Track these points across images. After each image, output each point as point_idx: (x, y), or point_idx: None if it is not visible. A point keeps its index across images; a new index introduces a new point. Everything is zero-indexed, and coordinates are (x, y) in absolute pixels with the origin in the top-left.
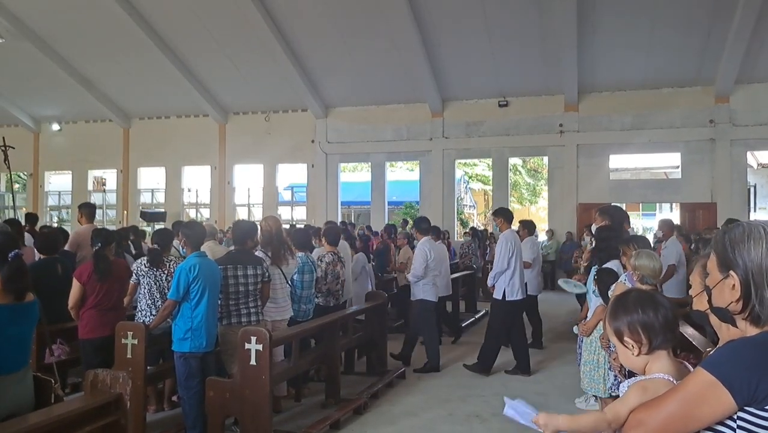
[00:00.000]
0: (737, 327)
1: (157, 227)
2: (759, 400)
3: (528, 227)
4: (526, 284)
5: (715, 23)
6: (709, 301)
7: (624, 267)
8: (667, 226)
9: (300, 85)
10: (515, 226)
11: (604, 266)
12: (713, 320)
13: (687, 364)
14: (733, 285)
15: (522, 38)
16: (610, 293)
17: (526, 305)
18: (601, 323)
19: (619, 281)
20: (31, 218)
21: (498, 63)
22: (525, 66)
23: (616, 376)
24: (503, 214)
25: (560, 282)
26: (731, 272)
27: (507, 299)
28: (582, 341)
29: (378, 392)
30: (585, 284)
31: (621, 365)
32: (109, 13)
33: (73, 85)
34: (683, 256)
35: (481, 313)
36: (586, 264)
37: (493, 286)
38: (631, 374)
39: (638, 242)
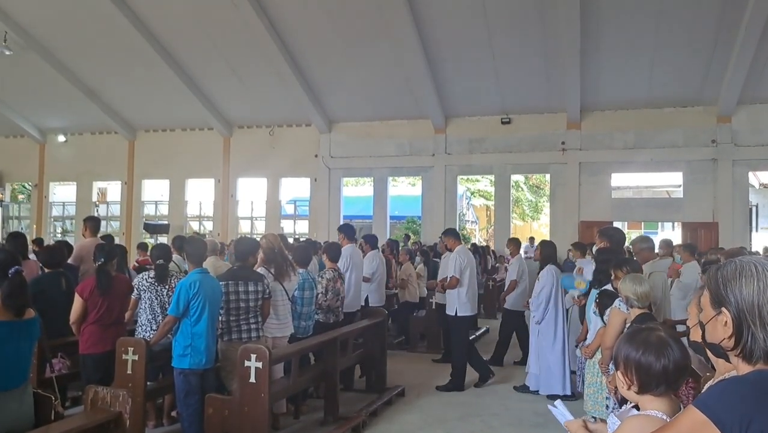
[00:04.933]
0: (730, 363)
1: (160, 239)
2: None
3: (370, 241)
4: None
5: (718, 43)
6: (703, 337)
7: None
8: (667, 245)
9: (304, 100)
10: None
11: (605, 287)
12: (710, 351)
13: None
14: (726, 322)
15: (525, 56)
16: (605, 317)
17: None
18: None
19: (613, 305)
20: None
21: (501, 80)
22: (528, 83)
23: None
24: (344, 231)
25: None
26: (723, 309)
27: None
28: (584, 363)
29: (377, 410)
30: (585, 305)
31: (616, 388)
32: (116, 26)
33: (79, 97)
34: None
35: (482, 330)
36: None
37: None
38: (624, 400)
39: (630, 264)
